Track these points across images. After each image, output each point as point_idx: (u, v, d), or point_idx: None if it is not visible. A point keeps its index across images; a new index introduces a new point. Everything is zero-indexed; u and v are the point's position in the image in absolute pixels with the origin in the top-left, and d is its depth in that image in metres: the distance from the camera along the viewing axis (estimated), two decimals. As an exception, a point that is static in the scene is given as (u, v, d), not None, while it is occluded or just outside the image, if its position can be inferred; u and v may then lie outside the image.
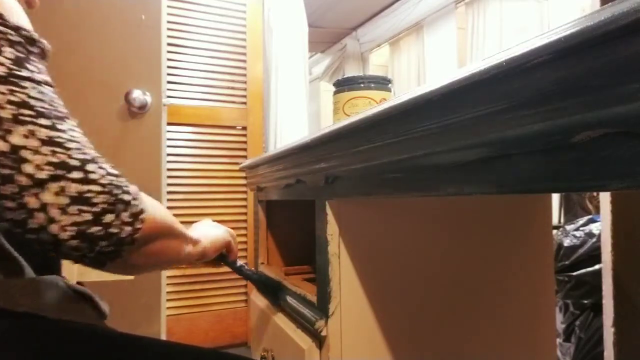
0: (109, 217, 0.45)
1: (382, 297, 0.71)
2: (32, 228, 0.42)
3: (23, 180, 0.41)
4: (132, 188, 0.48)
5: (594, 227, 1.45)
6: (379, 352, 0.71)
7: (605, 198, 0.89)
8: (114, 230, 0.45)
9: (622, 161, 0.25)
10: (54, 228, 0.42)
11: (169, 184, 1.77)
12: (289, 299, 0.84)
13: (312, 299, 0.75)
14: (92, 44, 1.48)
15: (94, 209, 0.44)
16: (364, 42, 4.68)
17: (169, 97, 1.79)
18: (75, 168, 0.44)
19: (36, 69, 0.45)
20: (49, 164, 0.42)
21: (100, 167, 0.46)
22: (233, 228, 2.04)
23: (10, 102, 0.41)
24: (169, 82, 1.81)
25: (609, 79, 0.25)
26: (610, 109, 0.25)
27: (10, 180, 0.41)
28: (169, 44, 1.80)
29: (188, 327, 1.85)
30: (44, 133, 0.43)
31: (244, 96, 2.01)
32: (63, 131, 0.44)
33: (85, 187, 0.44)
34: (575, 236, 1.46)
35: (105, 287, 0.59)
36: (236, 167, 1.81)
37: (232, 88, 1.99)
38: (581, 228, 1.49)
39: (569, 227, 1.53)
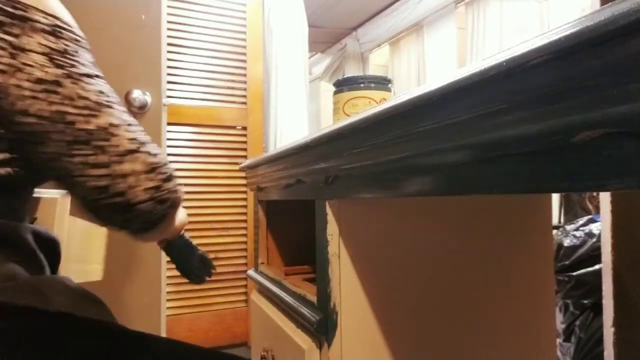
0: (168, 184, 0.56)
1: (382, 297, 0.71)
2: (113, 193, 0.51)
3: (112, 150, 0.51)
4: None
5: (594, 227, 1.45)
6: (379, 352, 0.71)
7: (605, 198, 0.89)
8: (171, 195, 0.56)
9: (622, 161, 0.25)
10: (132, 192, 0.52)
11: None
12: (289, 299, 0.84)
13: (312, 299, 0.75)
14: (92, 44, 1.47)
15: (160, 177, 0.55)
16: (364, 42, 4.68)
17: (169, 97, 1.79)
18: (145, 144, 0.55)
19: (92, 61, 0.56)
20: (131, 139, 0.53)
21: (155, 147, 0.57)
22: (233, 228, 2.04)
23: (99, 92, 0.53)
24: (169, 82, 1.81)
25: (609, 79, 0.25)
26: (610, 109, 0.25)
27: (104, 151, 0.51)
28: (169, 44, 1.80)
29: (188, 327, 1.85)
30: (122, 116, 0.54)
31: (244, 96, 2.01)
32: (128, 115, 0.55)
33: (154, 160, 0.54)
34: (575, 236, 1.46)
35: (105, 287, 0.59)
36: (236, 167, 1.81)
37: (232, 88, 1.99)
38: (581, 228, 1.49)
39: (569, 227, 1.53)
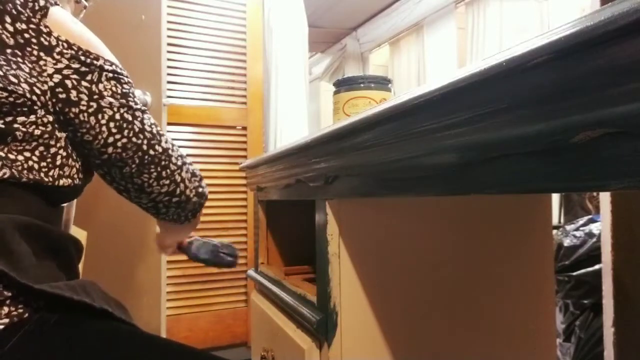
0: (203, 183, 0.78)
1: (382, 297, 0.71)
2: (178, 193, 0.72)
3: (173, 166, 0.70)
4: None
5: (594, 227, 1.45)
6: (379, 352, 0.71)
7: (605, 198, 0.89)
8: (205, 190, 0.79)
9: (622, 161, 0.25)
10: (187, 191, 0.73)
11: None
12: (289, 299, 0.84)
13: (312, 299, 0.75)
14: (92, 44, 1.47)
15: (198, 178, 0.76)
16: (364, 42, 4.68)
17: (169, 97, 1.78)
18: (185, 157, 0.74)
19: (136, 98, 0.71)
20: (179, 156, 0.72)
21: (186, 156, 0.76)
22: (233, 228, 2.04)
23: (153, 124, 0.68)
24: (169, 82, 1.80)
25: (609, 79, 0.25)
26: (610, 109, 0.25)
27: (168, 167, 0.69)
28: (169, 44, 1.80)
29: (188, 327, 1.85)
30: (169, 140, 0.71)
31: (244, 96, 2.01)
32: (170, 138, 0.72)
33: (193, 167, 0.75)
34: (575, 236, 1.46)
35: (105, 287, 0.59)
36: (236, 167, 1.81)
37: (232, 88, 1.99)
38: (581, 228, 1.49)
39: (569, 227, 1.53)
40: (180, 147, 1.85)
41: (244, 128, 2.00)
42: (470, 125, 0.36)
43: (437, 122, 0.39)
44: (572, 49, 0.26)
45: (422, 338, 0.73)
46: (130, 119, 0.65)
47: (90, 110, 0.61)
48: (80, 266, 1.14)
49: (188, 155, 1.90)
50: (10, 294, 0.50)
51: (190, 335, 1.83)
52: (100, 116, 0.61)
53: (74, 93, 0.59)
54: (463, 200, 0.77)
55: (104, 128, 0.62)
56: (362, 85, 0.98)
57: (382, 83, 1.00)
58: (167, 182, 0.70)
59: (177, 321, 1.82)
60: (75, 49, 0.60)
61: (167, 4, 1.79)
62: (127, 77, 0.67)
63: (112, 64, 0.65)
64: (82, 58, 0.60)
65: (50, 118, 0.59)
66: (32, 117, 0.57)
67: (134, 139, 0.65)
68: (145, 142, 0.66)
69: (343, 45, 4.83)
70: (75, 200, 0.95)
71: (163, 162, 0.68)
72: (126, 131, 0.64)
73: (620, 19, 0.23)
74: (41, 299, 0.51)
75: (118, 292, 0.62)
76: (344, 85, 1.00)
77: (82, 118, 0.60)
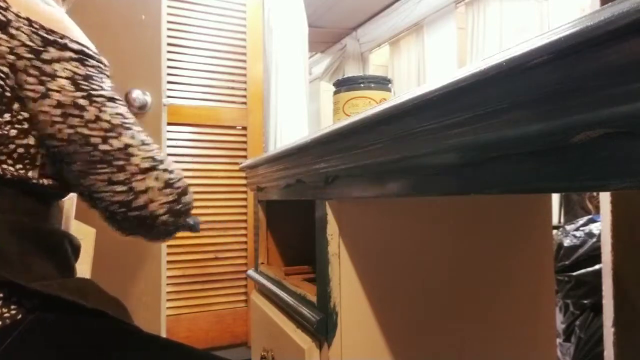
0: (185, 198, 0.62)
1: (382, 296, 0.71)
2: (136, 206, 0.57)
3: (132, 169, 0.56)
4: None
5: (594, 227, 1.45)
6: (379, 352, 0.71)
7: (605, 198, 0.89)
8: (188, 207, 0.62)
9: (622, 161, 0.25)
10: (153, 206, 0.58)
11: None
12: (289, 299, 0.84)
13: (312, 299, 0.75)
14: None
15: (177, 191, 0.60)
16: (364, 42, 4.68)
17: (169, 97, 1.79)
18: (161, 161, 0.60)
19: (111, 86, 0.60)
20: (148, 158, 0.58)
21: (170, 162, 0.62)
22: (233, 228, 2.04)
23: (117, 114, 0.57)
24: (169, 82, 1.81)
25: (609, 79, 0.25)
26: (610, 109, 0.25)
27: (123, 169, 0.56)
28: (169, 44, 1.80)
29: (188, 327, 1.85)
30: (139, 136, 0.58)
31: (244, 96, 2.01)
32: (144, 135, 0.60)
33: (170, 176, 0.60)
34: (575, 236, 1.46)
35: (105, 287, 0.59)
36: (236, 167, 1.81)
37: (232, 88, 1.99)
38: (581, 228, 1.49)
39: (569, 227, 1.53)
40: (180, 147, 1.87)
41: (244, 128, 2.00)
42: (470, 125, 0.36)
43: (437, 122, 0.39)
44: (572, 49, 0.26)
45: (421, 338, 0.73)
46: (83, 105, 0.54)
47: (37, 94, 0.52)
48: (88, 264, 1.15)
49: (188, 155, 1.91)
50: (1, 295, 0.48)
51: (190, 335, 1.83)
52: (46, 101, 0.53)
53: (23, 76, 0.52)
54: (463, 200, 0.77)
55: (47, 116, 0.53)
56: (362, 85, 0.98)
57: (382, 83, 1.00)
58: (121, 188, 0.56)
59: (177, 321, 1.82)
60: (37, 26, 0.53)
61: (167, 4, 1.79)
62: (97, 60, 0.58)
63: (80, 44, 0.56)
64: (43, 35, 0.53)
65: (26, 115, 0.53)
66: (7, 116, 0.51)
67: (81, 130, 0.54)
68: (97, 134, 0.55)
69: (343, 45, 4.83)
70: (75, 196, 0.92)
71: (118, 162, 0.56)
72: (74, 119, 0.54)
73: (620, 19, 0.23)
74: (35, 298, 0.50)
75: (118, 292, 0.61)
76: (344, 85, 1.00)
77: (29, 105, 0.53)
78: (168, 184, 0.59)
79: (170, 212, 0.59)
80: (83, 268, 1.13)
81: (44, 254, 0.55)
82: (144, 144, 0.59)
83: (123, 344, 0.53)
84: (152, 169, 0.58)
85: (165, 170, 0.60)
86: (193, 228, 0.68)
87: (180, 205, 0.60)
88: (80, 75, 0.55)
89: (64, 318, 0.51)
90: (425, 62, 3.85)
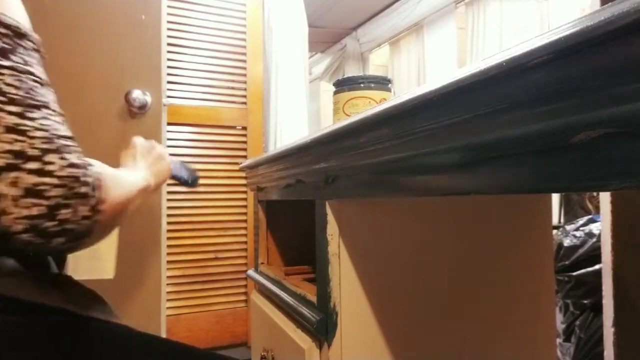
0: (65, 213, 0.43)
1: (382, 296, 0.71)
2: None
3: None
4: (93, 174, 0.46)
5: (594, 227, 1.45)
6: (379, 352, 0.71)
7: (605, 198, 0.89)
8: (70, 226, 0.43)
9: (622, 161, 0.25)
10: (5, 220, 0.41)
11: (168, 184, 1.77)
12: (289, 299, 0.84)
13: (312, 299, 0.75)
14: (92, 44, 1.48)
15: (48, 203, 0.42)
16: (364, 42, 4.68)
17: (169, 97, 1.79)
18: (33, 158, 0.42)
19: (22, 60, 0.45)
20: (8, 152, 0.41)
21: (63, 158, 0.44)
22: (233, 228, 2.04)
23: (8, 84, 0.42)
24: (169, 82, 1.80)
25: (609, 79, 0.25)
26: (610, 109, 0.25)
27: None
28: (169, 44, 1.80)
29: (188, 327, 1.85)
30: (9, 120, 0.42)
31: (244, 96, 2.01)
32: (32, 119, 0.43)
33: (40, 179, 0.42)
34: (575, 236, 1.46)
35: (104, 287, 0.59)
36: (236, 167, 1.81)
37: (232, 88, 1.99)
38: (581, 228, 1.49)
39: (569, 227, 1.53)
40: (180, 147, 1.87)
41: (244, 128, 2.00)
42: (470, 125, 0.36)
43: (437, 122, 0.39)
44: (572, 49, 0.26)
45: (422, 338, 0.73)
46: None
47: None
48: (111, 262, 1.13)
49: (188, 155, 1.92)
50: None
51: (190, 335, 1.83)
52: None
53: None
54: (463, 200, 0.77)
55: None
56: (362, 85, 0.98)
57: (382, 83, 1.00)
58: None
59: (177, 321, 1.82)
60: None
61: (167, 4, 1.79)
62: (15, 28, 0.45)
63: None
64: None
65: None
66: None
67: None
68: None
69: (343, 45, 4.83)
70: None
71: None
72: None
73: (620, 19, 0.23)
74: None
75: (118, 292, 0.60)
76: (344, 85, 1.00)
77: None
78: (34, 191, 0.41)
79: (34, 230, 0.41)
80: (106, 265, 1.11)
81: (11, 251, 0.47)
82: (15, 130, 0.42)
83: (110, 345, 0.50)
84: (9, 168, 0.41)
85: (37, 170, 0.42)
86: (187, 183, 0.58)
87: (53, 223, 0.42)
88: None
89: (32, 319, 0.45)
90: (425, 62, 3.85)
